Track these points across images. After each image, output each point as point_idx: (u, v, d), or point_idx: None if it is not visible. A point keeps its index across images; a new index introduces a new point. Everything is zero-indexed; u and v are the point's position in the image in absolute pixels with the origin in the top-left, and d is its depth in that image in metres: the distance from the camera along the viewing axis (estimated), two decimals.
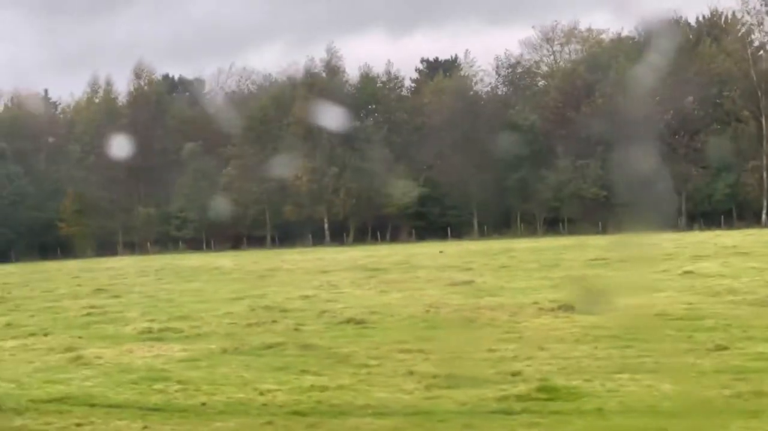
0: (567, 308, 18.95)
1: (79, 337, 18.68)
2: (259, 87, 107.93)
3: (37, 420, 10.39)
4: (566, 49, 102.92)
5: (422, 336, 15.94)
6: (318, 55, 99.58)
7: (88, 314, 24.20)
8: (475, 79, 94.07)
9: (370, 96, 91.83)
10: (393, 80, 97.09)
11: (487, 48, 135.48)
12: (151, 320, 21.14)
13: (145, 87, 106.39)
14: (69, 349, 16.25)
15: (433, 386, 11.50)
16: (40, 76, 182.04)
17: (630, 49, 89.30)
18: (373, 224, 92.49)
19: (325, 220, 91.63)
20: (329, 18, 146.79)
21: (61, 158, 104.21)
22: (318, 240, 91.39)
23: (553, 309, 19.06)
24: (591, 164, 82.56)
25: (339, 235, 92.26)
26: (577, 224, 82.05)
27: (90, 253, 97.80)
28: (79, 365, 14.32)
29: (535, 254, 46.27)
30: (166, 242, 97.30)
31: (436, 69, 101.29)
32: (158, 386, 12.16)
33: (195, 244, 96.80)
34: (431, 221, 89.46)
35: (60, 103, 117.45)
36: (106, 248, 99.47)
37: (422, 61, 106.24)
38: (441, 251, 57.00)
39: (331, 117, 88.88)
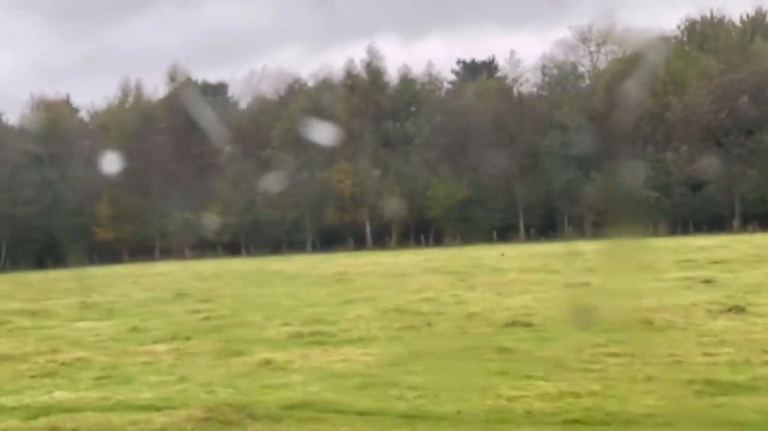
0: (738, 310, 18.14)
1: (227, 341, 17.98)
2: (289, 89, 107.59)
3: (302, 429, 9.66)
4: (603, 50, 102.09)
5: (613, 338, 15.11)
6: (337, 59, 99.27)
7: (206, 318, 23.54)
8: (520, 80, 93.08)
9: (412, 98, 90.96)
10: (433, 82, 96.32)
11: (507, 50, 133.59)
12: (286, 325, 20.45)
13: (180, 90, 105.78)
14: (239, 353, 15.59)
15: (703, 392, 10.70)
16: (59, 82, 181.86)
17: (677, 48, 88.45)
18: (415, 227, 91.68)
19: (367, 223, 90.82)
20: (340, 23, 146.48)
21: (97, 162, 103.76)
22: (359, 244, 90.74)
23: (723, 311, 18.24)
24: (641, 165, 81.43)
25: (380, 239, 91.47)
26: (626, 227, 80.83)
27: (126, 258, 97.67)
28: (275, 369, 13.63)
29: (613, 255, 45.13)
30: (203, 247, 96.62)
31: (474, 71, 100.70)
32: (392, 392, 11.43)
33: (233, 249, 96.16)
34: (475, 223, 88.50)
35: (80, 109, 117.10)
36: (141, 253, 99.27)
37: (458, 62, 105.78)
38: (503, 254, 56.10)
39: (373, 119, 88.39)
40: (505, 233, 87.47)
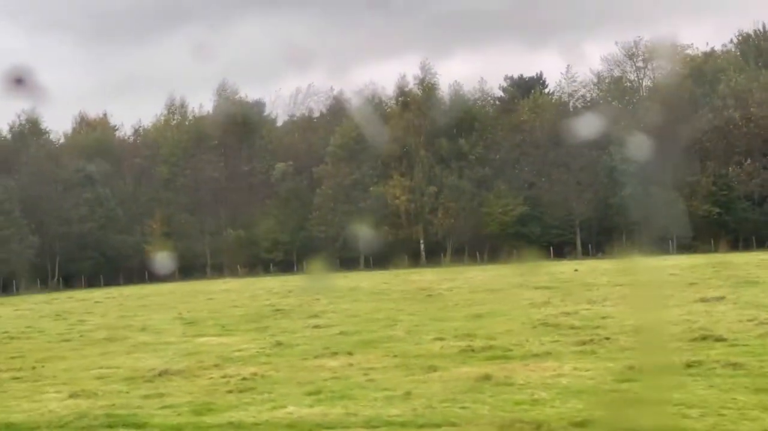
0: None
1: (394, 355, 17.33)
2: (336, 105, 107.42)
3: None
4: (650, 65, 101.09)
5: None
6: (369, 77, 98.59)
7: (342, 333, 22.95)
8: (575, 96, 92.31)
9: (466, 114, 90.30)
10: (486, 98, 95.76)
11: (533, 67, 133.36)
12: (440, 339, 19.80)
13: (229, 108, 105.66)
14: (432, 368, 14.92)
15: None
16: (91, 102, 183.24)
17: (736, 62, 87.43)
18: (469, 244, 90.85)
19: (421, 240, 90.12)
20: (363, 45, 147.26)
21: (147, 180, 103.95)
22: (413, 261, 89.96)
23: None
24: (702, 180, 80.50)
25: (434, 255, 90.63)
26: (687, 243, 79.94)
27: (177, 276, 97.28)
28: (499, 385, 12.98)
29: (701, 270, 44.21)
30: (255, 265, 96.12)
31: (521, 87, 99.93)
32: (667, 409, 10.67)
33: (284, 266, 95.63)
34: (532, 240, 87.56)
35: (117, 127, 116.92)
36: (192, 271, 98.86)
37: (506, 78, 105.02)
38: (576, 270, 55.28)
39: (427, 135, 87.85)
40: (561, 249, 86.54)
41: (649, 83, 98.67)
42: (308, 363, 17.07)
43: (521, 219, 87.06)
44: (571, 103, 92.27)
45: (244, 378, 15.53)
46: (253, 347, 20.94)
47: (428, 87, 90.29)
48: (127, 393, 14.80)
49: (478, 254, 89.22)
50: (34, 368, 19.46)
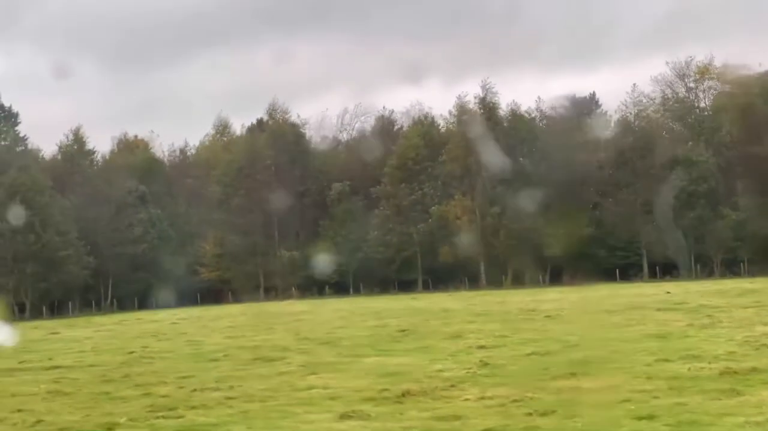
0: None
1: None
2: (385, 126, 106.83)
3: None
4: (701, 86, 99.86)
5: None
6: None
7: (533, 353, 21.81)
8: (640, 116, 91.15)
9: (528, 133, 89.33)
10: (544, 117, 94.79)
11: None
12: (665, 361, 18.64)
13: (280, 127, 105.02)
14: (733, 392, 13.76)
15: None
16: (117, 124, 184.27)
17: None
18: (529, 266, 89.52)
19: (482, 262, 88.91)
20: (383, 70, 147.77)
21: (199, 201, 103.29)
22: (473, 284, 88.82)
23: None
24: None
25: (495, 278, 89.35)
26: (759, 266, 78.38)
27: (231, 298, 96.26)
28: None
29: None
30: (310, 287, 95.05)
31: (575, 106, 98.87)
32: None
33: (339, 288, 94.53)
34: (596, 262, 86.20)
35: (154, 148, 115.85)
36: (244, 293, 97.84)
37: (558, 98, 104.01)
38: (668, 292, 53.92)
39: (490, 155, 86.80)
40: (627, 273, 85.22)
41: (702, 104, 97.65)
42: (563, 383, 15.97)
43: (585, 241, 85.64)
44: (636, 123, 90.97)
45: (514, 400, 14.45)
46: (455, 367, 19.85)
47: (489, 106, 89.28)
48: (401, 414, 13.75)
49: (540, 278, 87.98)
50: (231, 387, 18.48)
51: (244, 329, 40.19)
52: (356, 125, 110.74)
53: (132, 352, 29.72)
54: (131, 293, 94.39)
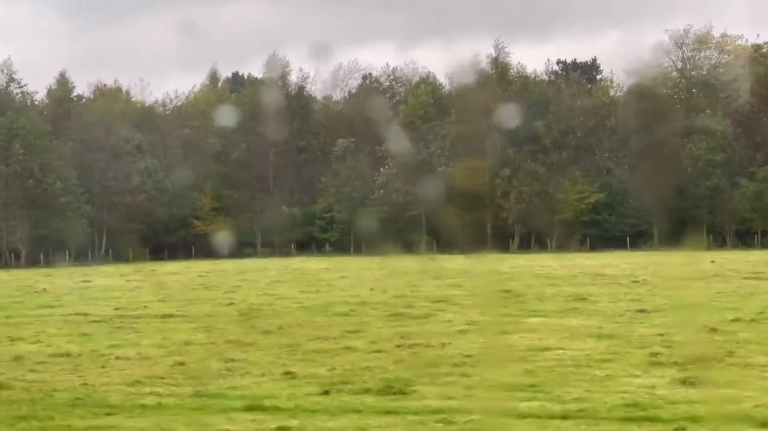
0: None
1: None
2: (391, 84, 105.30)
3: None
4: (699, 55, 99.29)
5: None
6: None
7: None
8: (657, 81, 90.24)
9: (539, 95, 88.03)
10: (559, 80, 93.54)
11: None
12: None
13: (279, 81, 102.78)
14: None
15: None
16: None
17: None
18: (536, 231, 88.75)
19: (488, 225, 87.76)
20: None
21: (194, 152, 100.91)
22: (478, 247, 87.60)
23: None
24: None
25: (501, 242, 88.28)
26: None
27: (226, 253, 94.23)
28: None
29: None
30: (309, 245, 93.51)
31: (574, 71, 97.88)
32: None
33: (340, 247, 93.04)
34: (605, 229, 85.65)
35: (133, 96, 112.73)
36: (240, 248, 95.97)
37: (558, 63, 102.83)
38: (713, 261, 52.87)
39: (502, 116, 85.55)
40: (636, 241, 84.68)
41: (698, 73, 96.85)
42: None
43: (596, 207, 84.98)
44: (650, 89, 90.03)
45: None
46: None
47: (502, 67, 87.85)
48: None
49: (548, 242, 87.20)
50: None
51: (326, 283, 38.39)
52: (349, 82, 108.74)
53: (252, 304, 27.93)
54: (124, 244, 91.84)
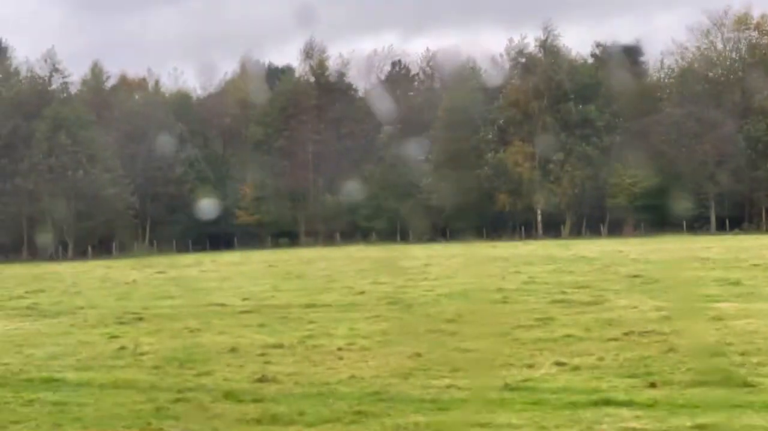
0: None
1: None
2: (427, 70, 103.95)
3: None
4: (737, 35, 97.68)
5: None
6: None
7: None
8: (710, 62, 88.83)
9: (589, 78, 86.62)
10: (607, 62, 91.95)
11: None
12: None
13: (317, 68, 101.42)
14: None
15: None
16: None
17: None
18: (588, 217, 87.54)
19: (539, 210, 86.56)
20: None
21: (233, 141, 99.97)
22: (528, 233, 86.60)
23: None
24: None
25: (552, 228, 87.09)
26: None
27: (270, 243, 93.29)
28: None
29: None
30: (354, 233, 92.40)
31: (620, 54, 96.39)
32: None
33: (386, 235, 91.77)
34: (660, 213, 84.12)
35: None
36: (283, 238, 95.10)
37: (598, 45, 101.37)
38: None
39: (551, 99, 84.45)
40: (691, 225, 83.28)
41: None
42: None
43: (651, 191, 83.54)
44: (704, 72, 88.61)
45: None
46: None
47: (553, 50, 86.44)
48: None
49: (602, 228, 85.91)
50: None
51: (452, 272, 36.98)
52: (384, 69, 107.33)
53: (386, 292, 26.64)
54: (168, 235, 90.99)
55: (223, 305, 24.20)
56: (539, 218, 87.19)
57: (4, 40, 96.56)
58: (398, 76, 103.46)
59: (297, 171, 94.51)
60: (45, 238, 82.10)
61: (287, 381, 11.87)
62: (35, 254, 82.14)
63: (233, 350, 15.00)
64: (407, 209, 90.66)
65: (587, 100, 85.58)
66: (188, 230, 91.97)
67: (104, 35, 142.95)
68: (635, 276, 28.63)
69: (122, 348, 15.71)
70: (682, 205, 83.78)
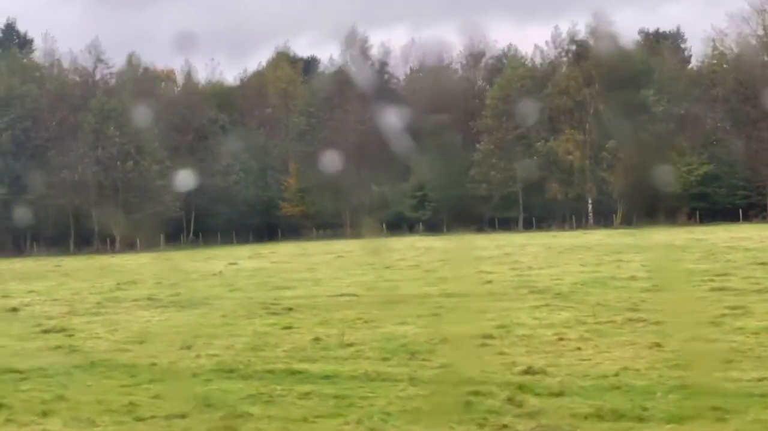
0: None
1: None
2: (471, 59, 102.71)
3: None
4: None
5: None
6: None
7: None
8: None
9: (642, 65, 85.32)
10: (654, 49, 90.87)
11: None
12: None
13: (359, 57, 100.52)
14: None
15: None
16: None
17: None
18: (639, 204, 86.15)
19: (590, 199, 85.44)
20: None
21: (274, 132, 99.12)
22: (579, 223, 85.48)
23: None
24: None
25: (603, 217, 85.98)
26: None
27: (314, 235, 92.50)
28: None
29: None
30: (400, 224, 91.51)
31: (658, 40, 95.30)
32: None
33: (430, 226, 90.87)
34: (715, 201, 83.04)
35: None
36: (328, 229, 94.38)
37: (640, 32, 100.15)
38: None
39: (603, 86, 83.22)
40: (747, 214, 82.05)
41: None
42: None
43: (704, 179, 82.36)
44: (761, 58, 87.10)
45: None
46: None
47: (605, 36, 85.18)
48: None
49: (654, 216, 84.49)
50: None
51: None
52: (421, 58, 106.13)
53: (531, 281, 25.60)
54: (212, 227, 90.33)
55: (354, 295, 23.37)
56: (590, 207, 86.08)
57: (27, 33, 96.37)
58: (438, 66, 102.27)
59: (341, 161, 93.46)
60: (93, 231, 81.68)
61: (557, 374, 10.97)
62: (80, 247, 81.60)
63: (444, 341, 14.12)
64: (454, 199, 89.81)
65: (640, 87, 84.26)
66: (231, 222, 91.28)
67: (120, 29, 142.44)
68: None
69: (317, 339, 14.85)
70: (737, 193, 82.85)
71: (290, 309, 19.93)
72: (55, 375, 12.34)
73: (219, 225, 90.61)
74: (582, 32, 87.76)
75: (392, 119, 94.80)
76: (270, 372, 11.74)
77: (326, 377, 11.32)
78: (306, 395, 10.18)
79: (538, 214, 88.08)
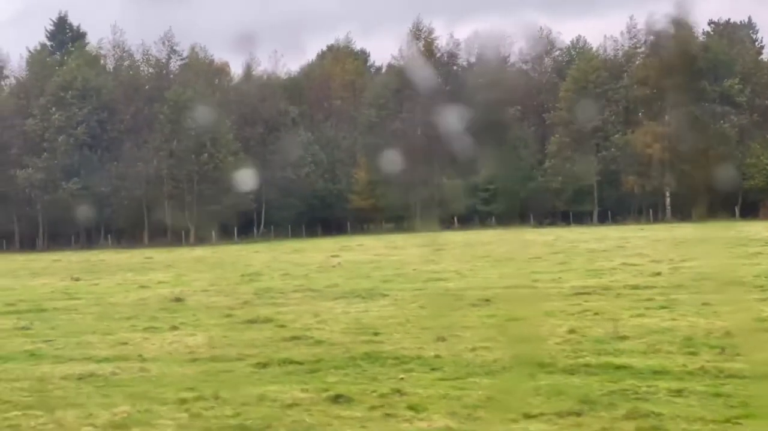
0: None
1: None
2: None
3: None
4: None
5: None
6: None
7: None
8: None
9: (723, 55, 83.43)
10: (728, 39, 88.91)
11: None
12: None
13: (425, 49, 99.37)
14: None
15: None
16: None
17: None
18: (721, 198, 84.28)
19: (667, 192, 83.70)
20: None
21: (342, 124, 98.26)
22: (656, 216, 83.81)
23: None
24: None
25: (678, 210, 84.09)
26: None
27: (384, 228, 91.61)
28: None
29: None
30: (472, 217, 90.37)
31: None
32: None
33: (503, 219, 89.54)
34: None
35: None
36: (397, 221, 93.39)
37: (710, 23, 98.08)
38: None
39: (684, 76, 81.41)
40: None
41: None
42: None
43: None
44: None
45: None
46: None
47: (685, 25, 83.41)
48: None
49: (737, 210, 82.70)
50: None
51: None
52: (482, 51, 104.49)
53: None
54: (282, 220, 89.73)
55: (534, 287, 22.32)
56: (668, 200, 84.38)
57: (80, 26, 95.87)
58: (503, 57, 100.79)
59: (411, 154, 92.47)
60: (164, 223, 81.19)
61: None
62: (154, 240, 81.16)
63: (728, 334, 13.02)
64: (527, 192, 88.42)
65: (721, 78, 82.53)
66: (301, 215, 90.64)
67: (165, 23, 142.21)
68: None
69: (572, 331, 13.82)
70: None
71: (487, 300, 18.92)
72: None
73: (289, 218, 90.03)
74: (661, 22, 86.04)
75: (460, 112, 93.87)
76: (599, 366, 10.71)
77: (656, 372, 10.30)
78: (678, 392, 9.16)
79: (612, 207, 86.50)
